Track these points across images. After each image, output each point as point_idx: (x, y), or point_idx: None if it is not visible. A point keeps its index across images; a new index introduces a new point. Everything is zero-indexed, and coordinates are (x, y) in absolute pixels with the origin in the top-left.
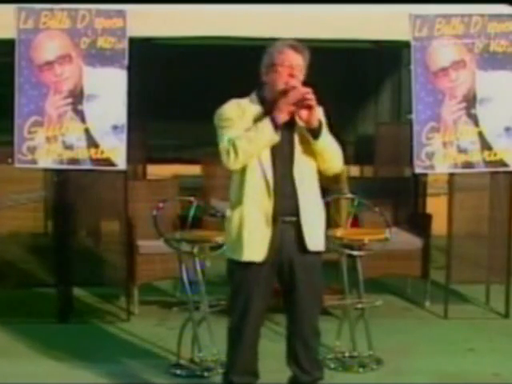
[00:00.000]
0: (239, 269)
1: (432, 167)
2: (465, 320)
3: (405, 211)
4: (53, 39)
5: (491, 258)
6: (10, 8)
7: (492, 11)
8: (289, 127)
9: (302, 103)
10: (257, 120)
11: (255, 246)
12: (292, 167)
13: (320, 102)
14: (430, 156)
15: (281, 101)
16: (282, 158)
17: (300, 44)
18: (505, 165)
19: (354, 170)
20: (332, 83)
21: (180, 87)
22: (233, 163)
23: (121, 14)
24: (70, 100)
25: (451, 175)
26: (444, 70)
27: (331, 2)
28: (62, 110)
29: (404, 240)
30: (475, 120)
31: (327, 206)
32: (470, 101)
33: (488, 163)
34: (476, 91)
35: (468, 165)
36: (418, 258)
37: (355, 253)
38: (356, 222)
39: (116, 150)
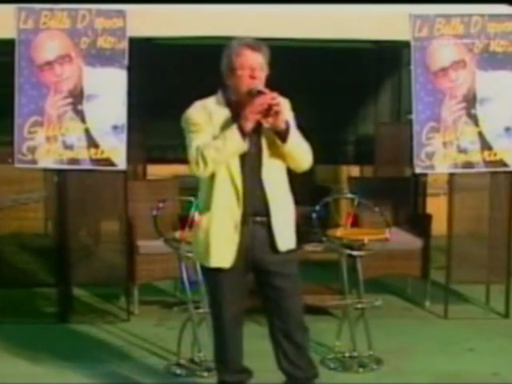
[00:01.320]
0: (209, 274)
1: (432, 167)
2: (465, 320)
3: (405, 211)
4: (53, 39)
5: (491, 258)
6: (10, 8)
7: (492, 11)
8: (255, 130)
9: (267, 110)
10: (224, 124)
11: (222, 251)
12: (260, 169)
13: (283, 94)
14: (430, 156)
15: (247, 109)
16: (249, 161)
17: (257, 41)
18: (505, 165)
19: (354, 170)
20: (332, 83)
21: (180, 87)
22: (202, 172)
23: (121, 14)
24: (69, 100)
25: (451, 175)
26: (444, 69)
27: (331, 2)
28: (62, 110)
29: (404, 240)
30: (475, 120)
31: (327, 206)
32: (470, 101)
33: (488, 163)
34: (476, 91)
35: (468, 165)
36: (418, 258)
37: (355, 253)
38: (356, 222)
39: (116, 150)
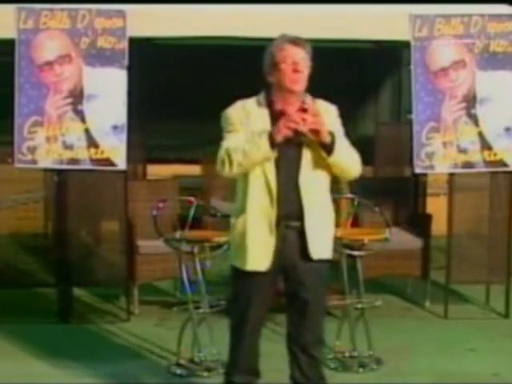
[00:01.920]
0: (242, 276)
1: (432, 167)
2: (465, 320)
3: (405, 211)
4: (53, 39)
5: (491, 258)
6: (10, 8)
7: (492, 11)
8: (297, 134)
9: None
10: (261, 125)
11: (259, 255)
12: (298, 173)
13: (330, 100)
14: (430, 156)
15: (282, 121)
16: (287, 164)
17: (299, 37)
18: (505, 165)
19: None
20: (332, 83)
21: (180, 87)
22: (227, 173)
23: (121, 14)
24: (70, 100)
25: (451, 175)
26: (444, 69)
27: (331, 2)
28: (62, 110)
29: (404, 240)
30: (475, 120)
31: None
32: (470, 101)
33: (488, 163)
34: (476, 91)
35: (468, 165)
36: (418, 257)
37: (355, 253)
38: (356, 222)
39: (116, 150)
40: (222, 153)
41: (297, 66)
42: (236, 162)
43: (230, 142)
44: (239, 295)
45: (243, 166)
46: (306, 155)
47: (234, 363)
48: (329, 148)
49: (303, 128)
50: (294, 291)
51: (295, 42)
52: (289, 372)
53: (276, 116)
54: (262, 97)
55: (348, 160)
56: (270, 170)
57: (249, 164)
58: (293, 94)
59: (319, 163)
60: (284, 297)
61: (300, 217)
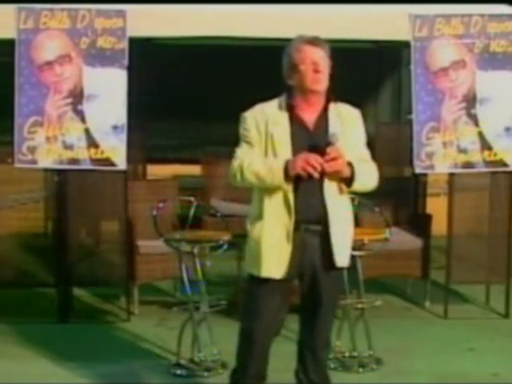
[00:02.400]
0: (257, 283)
1: (432, 167)
2: (465, 320)
3: (405, 211)
4: (53, 39)
5: (491, 258)
6: (10, 8)
7: (492, 11)
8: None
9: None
10: (280, 130)
11: (274, 262)
12: (321, 178)
13: (354, 104)
14: (430, 156)
15: (300, 158)
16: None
17: (317, 37)
18: (505, 165)
19: None
20: (332, 83)
21: (180, 87)
22: (238, 184)
23: (121, 14)
24: (69, 100)
25: (451, 175)
26: (444, 70)
27: (331, 2)
28: (62, 110)
29: (404, 240)
30: (475, 120)
31: None
32: (470, 101)
33: (488, 163)
34: (476, 91)
35: (468, 165)
36: (418, 258)
37: (355, 253)
38: (356, 222)
39: (116, 149)
40: (235, 163)
41: (317, 66)
42: (247, 180)
43: (245, 157)
44: (254, 302)
45: (254, 184)
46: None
47: (243, 368)
48: (349, 181)
49: (316, 174)
50: (310, 295)
51: (313, 42)
52: (294, 368)
53: (297, 122)
54: (283, 100)
55: (367, 182)
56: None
57: (261, 186)
58: (315, 95)
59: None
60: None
61: (323, 220)
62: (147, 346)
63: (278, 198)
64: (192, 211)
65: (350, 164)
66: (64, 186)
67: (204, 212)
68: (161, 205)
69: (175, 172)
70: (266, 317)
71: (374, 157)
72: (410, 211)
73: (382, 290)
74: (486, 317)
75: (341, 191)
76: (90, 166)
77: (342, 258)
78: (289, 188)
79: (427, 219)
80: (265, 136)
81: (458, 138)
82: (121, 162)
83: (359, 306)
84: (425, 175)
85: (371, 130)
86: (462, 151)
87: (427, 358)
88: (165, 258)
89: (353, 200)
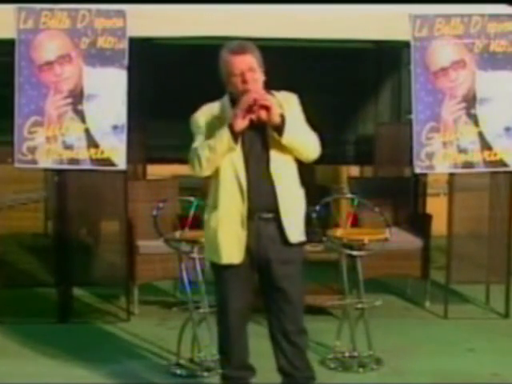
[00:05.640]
0: (219, 270)
1: (432, 167)
2: (465, 320)
3: (405, 211)
4: (53, 39)
5: (491, 258)
6: (10, 8)
7: (492, 11)
8: (261, 126)
9: (256, 106)
10: (225, 122)
11: (232, 248)
12: (268, 165)
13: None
14: (430, 156)
15: (235, 108)
16: (255, 157)
17: (243, 44)
18: (505, 165)
19: (354, 170)
20: (332, 83)
21: (180, 87)
22: (199, 171)
23: (121, 14)
24: (69, 100)
25: (451, 175)
26: (444, 69)
27: (331, 2)
28: (62, 110)
29: (404, 240)
30: (475, 120)
31: (327, 206)
32: (470, 101)
33: (488, 163)
34: (476, 91)
35: (468, 165)
36: (418, 258)
37: (355, 253)
38: (356, 222)
39: (116, 149)
40: (190, 153)
41: (244, 75)
42: (204, 158)
43: (197, 143)
44: (219, 288)
45: (211, 161)
46: (273, 146)
47: (225, 357)
48: (280, 129)
49: (261, 97)
50: (268, 282)
51: (238, 51)
52: (276, 364)
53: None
54: (226, 99)
55: (301, 141)
56: (240, 165)
57: (215, 157)
58: None
59: (284, 151)
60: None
61: (274, 208)
62: (147, 345)
63: (232, 185)
64: (192, 211)
65: (281, 116)
66: (64, 186)
67: (204, 212)
68: (161, 205)
69: (175, 172)
70: (233, 304)
71: (374, 157)
72: (410, 211)
73: (382, 290)
74: (485, 317)
75: (287, 151)
76: (90, 166)
77: (295, 234)
78: (241, 174)
79: (427, 219)
80: (214, 129)
81: (457, 138)
82: (121, 162)
83: (359, 306)
84: (425, 175)
85: (371, 130)
86: (462, 151)
87: (427, 358)
88: (165, 257)
89: (353, 200)
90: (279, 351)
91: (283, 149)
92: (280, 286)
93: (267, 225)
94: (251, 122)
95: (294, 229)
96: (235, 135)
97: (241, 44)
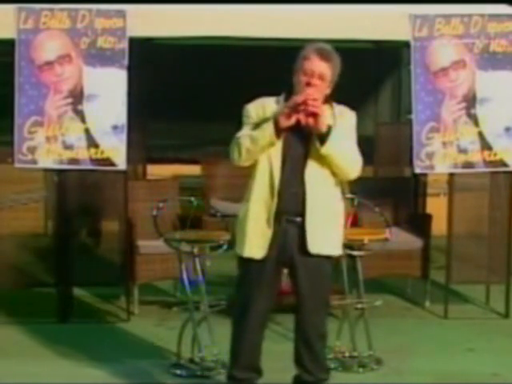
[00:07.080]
0: (242, 264)
1: (432, 167)
2: (465, 320)
3: (405, 211)
4: (53, 39)
5: (491, 258)
6: (10, 8)
7: (492, 11)
8: (307, 133)
9: (303, 109)
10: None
11: (255, 242)
12: (304, 168)
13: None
14: (430, 156)
15: (284, 104)
16: (293, 160)
17: (330, 50)
18: (505, 165)
19: None
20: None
21: (180, 87)
22: (237, 160)
23: (121, 14)
24: (70, 100)
25: (451, 175)
26: (444, 70)
27: (331, 2)
28: (62, 110)
29: (404, 240)
30: (475, 120)
31: None
32: (470, 101)
33: (488, 163)
34: (476, 91)
35: (468, 165)
36: (418, 258)
37: (355, 253)
38: (356, 222)
39: (116, 149)
40: (233, 140)
41: (312, 79)
42: (244, 148)
43: (242, 132)
44: (240, 284)
45: (251, 153)
46: (313, 152)
47: (235, 357)
48: (322, 138)
49: (311, 102)
50: (294, 285)
51: (323, 54)
52: (295, 373)
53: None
54: (281, 97)
55: (342, 157)
56: (276, 164)
57: (255, 149)
58: None
59: (323, 163)
60: (287, 296)
61: (302, 212)
62: (147, 346)
63: (265, 182)
64: (192, 211)
65: (329, 127)
66: (64, 186)
67: (204, 212)
68: (161, 205)
69: (175, 172)
70: (254, 302)
71: (374, 157)
72: (410, 211)
73: (382, 290)
74: (485, 317)
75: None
76: (90, 166)
77: (316, 245)
78: (276, 173)
79: (427, 219)
80: (262, 122)
81: (457, 138)
82: (121, 162)
83: (359, 306)
84: (425, 175)
85: (371, 130)
86: (462, 151)
87: (427, 358)
88: (165, 257)
89: (353, 200)
90: (296, 355)
91: (322, 160)
92: (302, 292)
93: (294, 228)
94: (298, 124)
95: (320, 239)
96: (278, 131)
97: (329, 51)
